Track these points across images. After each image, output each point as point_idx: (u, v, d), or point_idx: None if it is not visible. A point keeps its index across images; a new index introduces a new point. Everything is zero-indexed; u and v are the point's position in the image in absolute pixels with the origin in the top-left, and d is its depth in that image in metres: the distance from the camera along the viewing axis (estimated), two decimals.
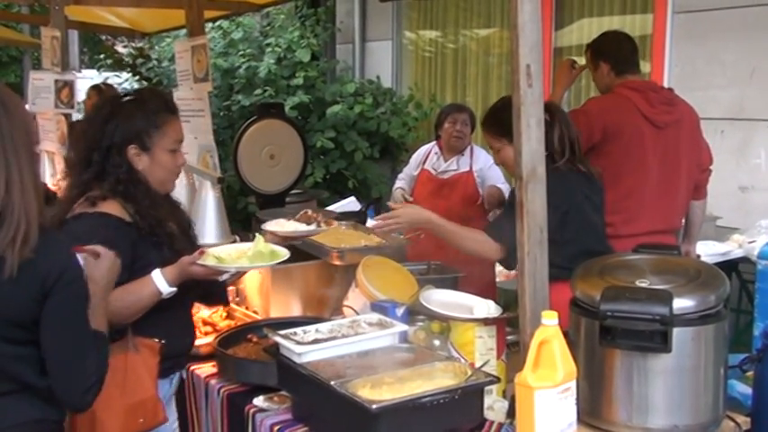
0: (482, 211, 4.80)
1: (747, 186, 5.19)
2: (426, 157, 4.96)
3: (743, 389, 3.13)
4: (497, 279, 5.41)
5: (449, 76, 7.80)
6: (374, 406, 1.86)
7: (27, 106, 7.57)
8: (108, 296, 2.09)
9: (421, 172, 4.94)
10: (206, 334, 2.93)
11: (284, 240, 2.82)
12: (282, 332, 2.28)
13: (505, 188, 4.59)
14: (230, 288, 3.26)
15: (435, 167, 4.88)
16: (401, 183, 5.06)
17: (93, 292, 1.91)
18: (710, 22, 5.29)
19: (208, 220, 3.01)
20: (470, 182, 4.76)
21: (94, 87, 7.02)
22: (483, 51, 7.39)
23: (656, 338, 1.93)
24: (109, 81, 8.55)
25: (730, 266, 4.58)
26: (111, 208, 2.26)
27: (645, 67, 5.90)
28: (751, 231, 4.77)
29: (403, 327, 2.36)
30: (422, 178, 4.95)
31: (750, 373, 2.90)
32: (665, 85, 5.57)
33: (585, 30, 6.39)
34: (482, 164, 4.79)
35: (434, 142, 5.02)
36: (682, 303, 1.96)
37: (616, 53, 3.48)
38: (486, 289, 3.89)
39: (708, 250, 4.56)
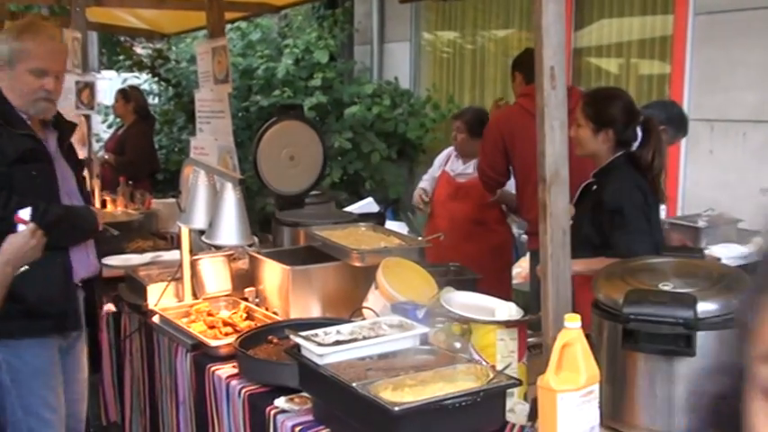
0: (497, 214, 4.78)
1: None
2: (447, 159, 4.99)
3: None
4: (515, 281, 5.40)
5: (467, 78, 7.79)
6: (396, 408, 1.86)
7: None
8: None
9: (441, 174, 4.97)
10: (226, 335, 2.94)
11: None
12: (303, 333, 2.28)
13: None
14: (250, 289, 3.29)
15: (453, 169, 4.90)
16: (424, 184, 5.09)
17: None
18: (732, 23, 5.25)
19: (229, 221, 3.01)
20: None
21: (121, 91, 7.07)
22: (501, 52, 7.38)
23: (679, 342, 1.92)
24: (128, 82, 8.60)
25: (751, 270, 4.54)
26: None
27: (664, 68, 5.87)
28: None
29: (424, 329, 2.35)
30: (441, 180, 4.98)
31: None
32: (686, 87, 5.54)
33: (605, 30, 6.36)
34: None
35: None
36: (706, 307, 1.94)
37: (528, 64, 3.78)
38: (502, 291, 3.89)
39: (729, 253, 4.53)
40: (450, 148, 5.08)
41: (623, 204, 2.95)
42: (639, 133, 3.09)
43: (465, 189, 4.78)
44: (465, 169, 4.83)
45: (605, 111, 3.06)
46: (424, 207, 4.95)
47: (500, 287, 4.20)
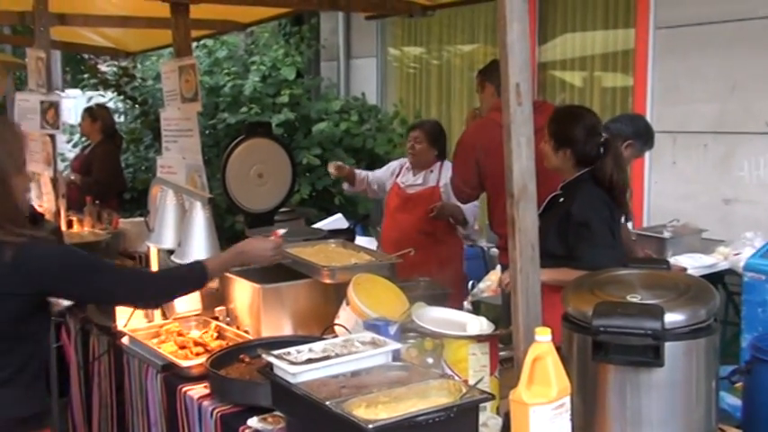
0: (445, 226, 4.82)
1: (731, 199, 5.24)
2: (399, 172, 5.03)
3: (732, 400, 3.15)
4: (484, 294, 5.43)
5: (433, 93, 7.85)
6: (371, 426, 1.86)
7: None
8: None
9: (392, 186, 5.02)
10: (197, 355, 2.92)
11: None
12: (276, 352, 2.27)
13: (466, 207, 4.61)
14: (220, 308, 3.28)
15: (404, 181, 4.96)
16: (364, 172, 5.24)
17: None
18: (692, 37, 5.36)
19: (198, 240, 3.01)
20: (435, 197, 4.79)
21: (88, 110, 6.98)
22: (467, 67, 7.44)
23: (648, 353, 1.94)
24: (93, 100, 8.51)
25: (716, 278, 4.62)
26: None
27: (627, 81, 5.97)
28: (736, 243, 4.81)
29: (396, 345, 2.36)
30: (392, 192, 5.03)
31: (739, 385, 2.93)
32: (648, 99, 5.64)
33: (569, 44, 6.45)
34: (449, 178, 4.84)
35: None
36: (673, 318, 1.97)
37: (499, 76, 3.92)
38: (454, 302, 3.91)
39: (694, 263, 4.60)
40: (402, 160, 5.13)
41: (590, 218, 2.99)
42: (602, 151, 3.13)
43: (414, 200, 4.84)
44: (415, 181, 4.90)
45: (564, 131, 3.12)
46: (335, 170, 5.18)
47: (451, 298, 4.21)
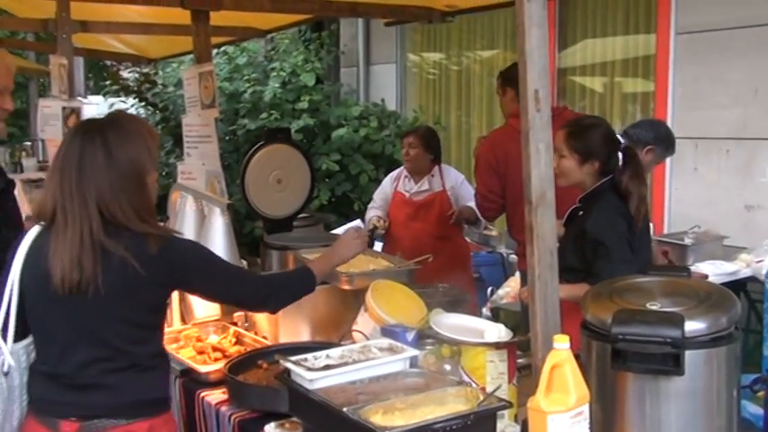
0: (458, 229, 4.82)
1: (753, 205, 5.19)
2: (398, 182, 5.01)
3: (754, 409, 3.11)
4: (503, 301, 5.42)
5: (453, 98, 7.84)
6: None
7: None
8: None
9: (394, 195, 4.99)
10: (215, 360, 2.93)
11: None
12: (293, 358, 2.28)
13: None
14: (238, 314, 3.29)
15: (408, 190, 4.93)
16: (375, 211, 5.10)
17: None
18: (713, 42, 5.32)
19: (217, 246, 3.01)
20: (445, 200, 4.81)
21: None
22: (487, 73, 7.43)
23: (668, 361, 1.92)
24: (115, 107, 8.58)
25: (738, 286, 4.57)
26: None
27: (648, 86, 5.93)
28: (758, 250, 4.76)
29: (414, 352, 2.35)
30: (396, 202, 4.99)
31: (761, 394, 2.89)
32: (670, 105, 5.60)
33: (589, 50, 6.43)
34: (453, 181, 4.86)
35: (403, 166, 5.08)
36: (693, 326, 1.95)
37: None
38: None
39: (715, 270, 4.56)
40: (397, 171, 5.11)
41: (605, 235, 2.95)
42: (620, 159, 3.11)
43: (425, 207, 4.84)
44: (420, 188, 4.89)
45: (590, 142, 3.06)
46: (382, 228, 4.99)
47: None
